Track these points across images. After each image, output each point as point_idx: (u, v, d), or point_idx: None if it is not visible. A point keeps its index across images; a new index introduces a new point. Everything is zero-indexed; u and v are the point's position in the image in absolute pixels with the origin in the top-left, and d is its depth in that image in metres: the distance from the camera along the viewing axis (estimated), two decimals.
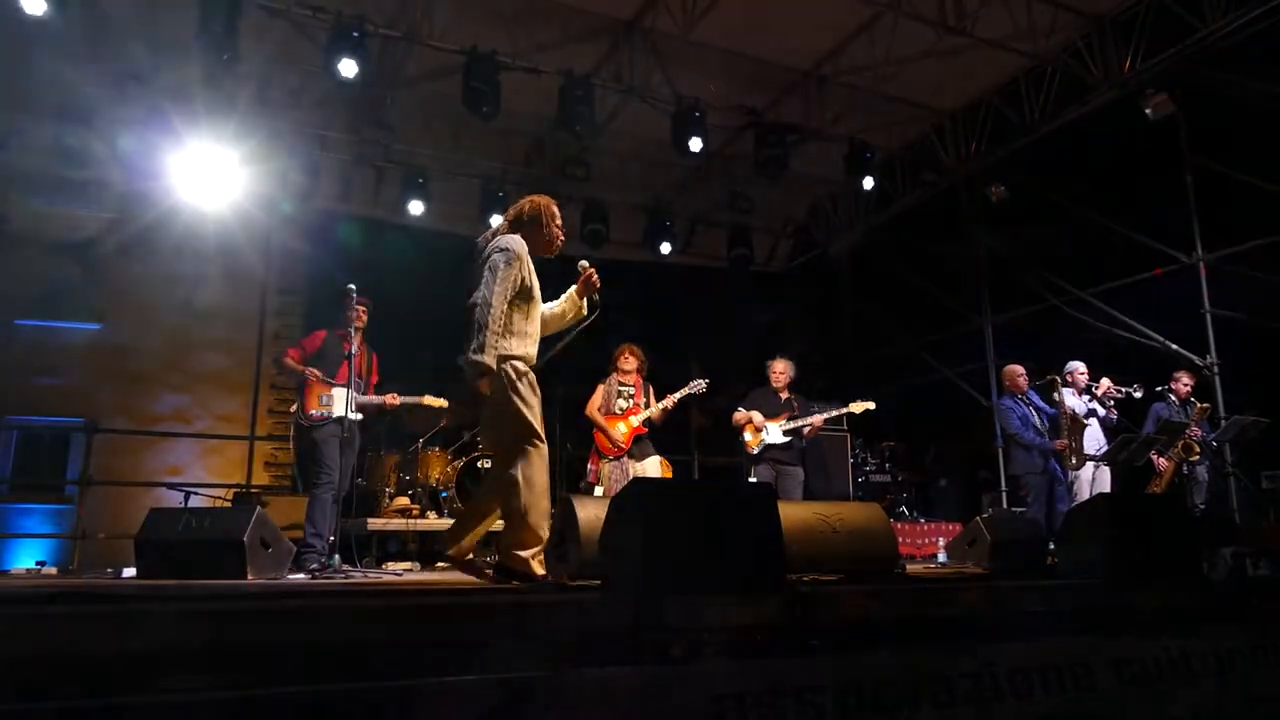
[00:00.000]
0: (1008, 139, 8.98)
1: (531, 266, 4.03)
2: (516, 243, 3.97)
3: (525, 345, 3.97)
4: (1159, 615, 3.28)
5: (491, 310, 3.78)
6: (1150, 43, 7.59)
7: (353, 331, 5.74)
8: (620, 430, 6.35)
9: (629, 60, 8.15)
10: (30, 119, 7.76)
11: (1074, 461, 6.94)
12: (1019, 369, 7.33)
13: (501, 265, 3.85)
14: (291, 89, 8.40)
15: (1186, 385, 7.35)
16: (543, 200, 4.17)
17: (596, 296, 4.14)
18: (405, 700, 2.02)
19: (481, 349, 3.73)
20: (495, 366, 3.78)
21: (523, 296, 3.96)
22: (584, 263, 4.10)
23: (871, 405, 7.07)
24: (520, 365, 3.92)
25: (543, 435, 3.92)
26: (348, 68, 7.04)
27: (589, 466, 6.59)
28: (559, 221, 4.12)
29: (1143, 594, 3.52)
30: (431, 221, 9.57)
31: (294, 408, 5.92)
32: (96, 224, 11.49)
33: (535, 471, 3.85)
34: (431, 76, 8.12)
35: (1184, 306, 8.28)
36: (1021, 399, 7.25)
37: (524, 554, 3.82)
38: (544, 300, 4.19)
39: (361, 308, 5.81)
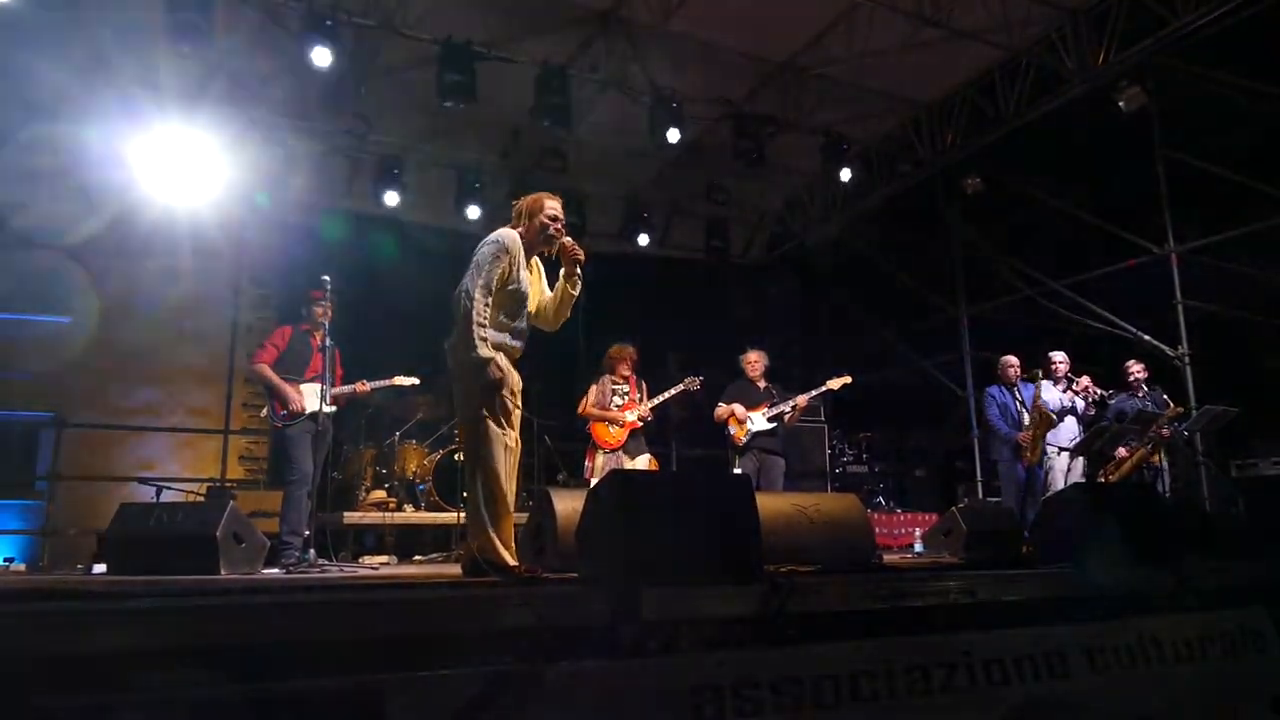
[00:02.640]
0: (983, 131, 9.01)
1: (523, 262, 4.00)
2: (506, 236, 3.97)
3: (504, 337, 3.96)
4: (1131, 604, 3.31)
5: (474, 302, 3.78)
6: (1123, 36, 7.65)
7: (324, 326, 5.74)
8: (620, 422, 6.55)
9: (605, 51, 8.11)
10: None
11: (1028, 456, 7.02)
12: (1012, 360, 7.40)
13: (489, 258, 3.87)
14: (264, 78, 8.28)
15: (1142, 371, 7.47)
16: (535, 195, 4.17)
17: (579, 268, 4.10)
18: (383, 695, 2.00)
19: (472, 343, 3.74)
20: (488, 356, 3.78)
21: (507, 289, 3.94)
22: (565, 239, 4.08)
23: (849, 379, 7.11)
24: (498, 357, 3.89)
25: (505, 425, 3.88)
26: (321, 56, 6.95)
27: (585, 463, 6.70)
28: (549, 213, 4.07)
29: (1115, 583, 3.55)
30: (407, 213, 9.50)
31: (264, 412, 5.84)
32: (65, 216, 11.32)
33: (496, 461, 3.82)
34: (406, 66, 8.03)
35: (1156, 297, 8.37)
36: (1008, 389, 7.31)
37: (496, 546, 3.79)
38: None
39: (328, 303, 5.78)
